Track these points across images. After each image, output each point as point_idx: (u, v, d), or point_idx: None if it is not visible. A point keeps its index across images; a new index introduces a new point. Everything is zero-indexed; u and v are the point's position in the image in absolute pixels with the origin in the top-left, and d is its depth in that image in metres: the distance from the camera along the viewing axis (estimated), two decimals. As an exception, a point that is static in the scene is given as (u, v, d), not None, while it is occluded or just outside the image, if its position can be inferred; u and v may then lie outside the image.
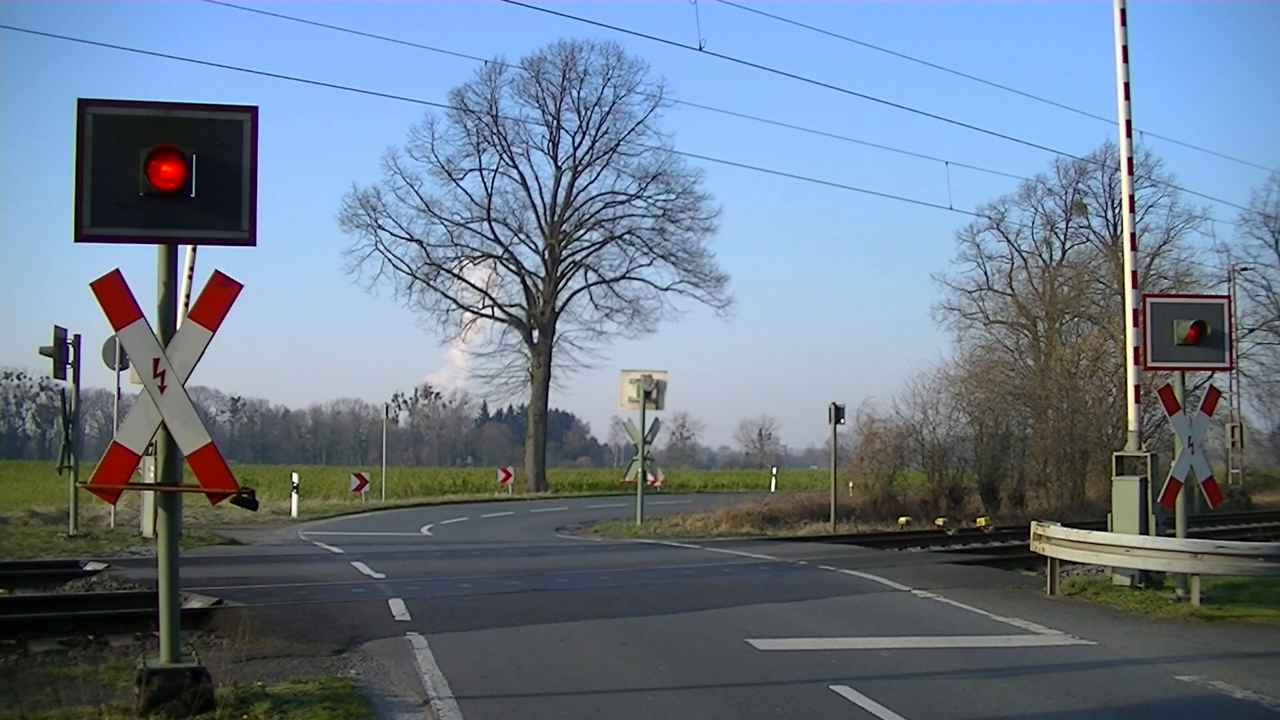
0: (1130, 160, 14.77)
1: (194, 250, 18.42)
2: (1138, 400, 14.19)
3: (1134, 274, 14.42)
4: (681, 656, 9.18)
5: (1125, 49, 14.26)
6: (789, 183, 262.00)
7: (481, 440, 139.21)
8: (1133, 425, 14.27)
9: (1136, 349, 13.99)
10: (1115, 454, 14.38)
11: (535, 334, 50.97)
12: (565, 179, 50.88)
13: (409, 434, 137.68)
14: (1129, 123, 14.42)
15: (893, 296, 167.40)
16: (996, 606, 12.15)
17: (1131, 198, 14.94)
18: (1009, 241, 48.43)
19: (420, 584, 13.85)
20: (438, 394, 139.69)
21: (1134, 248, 14.70)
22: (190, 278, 18.18)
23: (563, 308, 51.28)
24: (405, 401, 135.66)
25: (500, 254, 51.03)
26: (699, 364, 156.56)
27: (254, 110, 6.95)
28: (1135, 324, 14.05)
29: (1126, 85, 14.32)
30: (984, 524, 26.45)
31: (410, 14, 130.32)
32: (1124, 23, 14.23)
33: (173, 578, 6.84)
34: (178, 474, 6.97)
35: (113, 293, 6.74)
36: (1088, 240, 46.97)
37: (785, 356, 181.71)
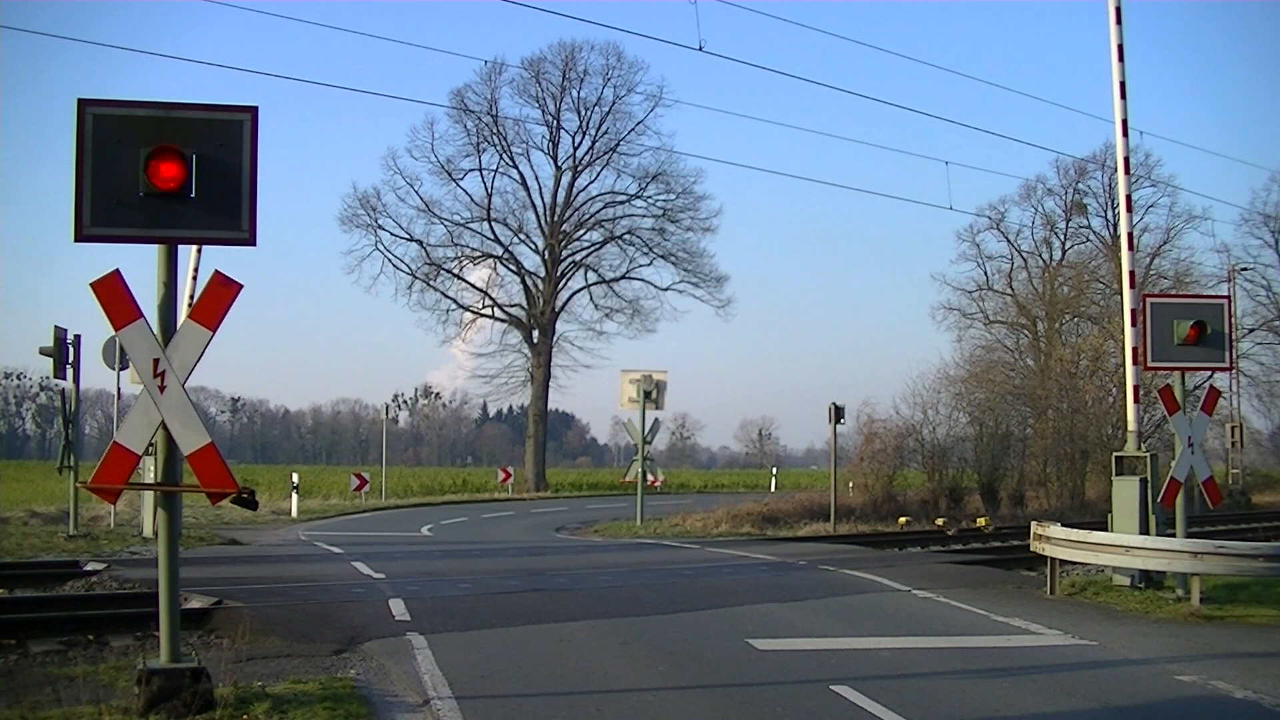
0: (1127, 160, 14.74)
1: (199, 251, 18.46)
2: (1137, 400, 14.19)
3: (1132, 274, 14.40)
4: (682, 656, 9.18)
5: (1121, 48, 14.22)
6: (789, 183, 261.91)
7: (481, 440, 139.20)
8: (1132, 425, 14.27)
9: (1135, 349, 13.99)
10: (1115, 454, 14.38)
11: (535, 334, 50.95)
12: (565, 179, 50.91)
13: (409, 434, 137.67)
14: (1125, 122, 14.37)
15: (893, 296, 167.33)
16: (996, 606, 12.15)
17: (1129, 197, 14.91)
18: (1009, 241, 48.51)
19: (420, 584, 13.85)
20: (438, 394, 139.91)
21: (1131, 247, 14.68)
22: (194, 278, 18.19)
23: (563, 308, 51.28)
24: (405, 401, 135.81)
25: (500, 254, 51.05)
26: (699, 364, 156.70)
27: (254, 110, 6.94)
28: (1134, 324, 14.04)
29: (1123, 84, 14.29)
30: (984, 524, 26.44)
31: (410, 14, 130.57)
32: (1119, 21, 14.19)
33: (173, 578, 6.84)
34: (178, 474, 6.97)
35: (113, 293, 6.74)
36: (1088, 240, 47.01)
37: (785, 356, 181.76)
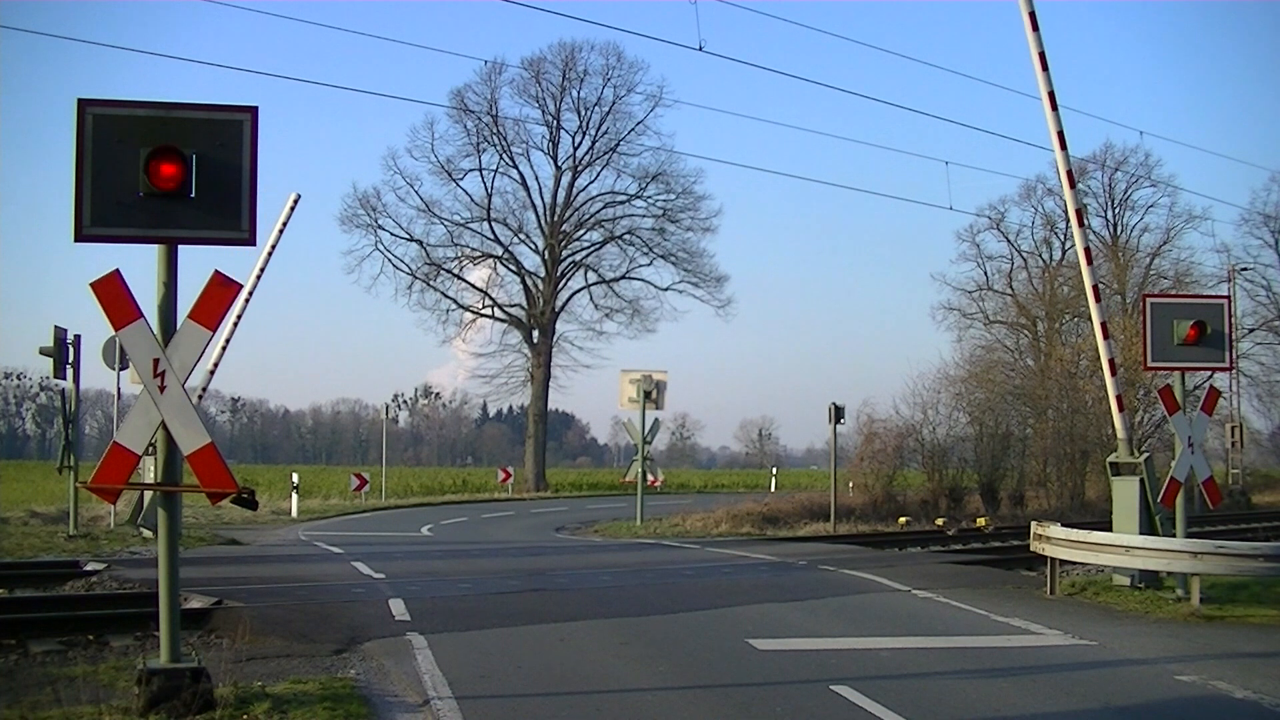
0: (1070, 173, 14.11)
1: (270, 252, 18.84)
2: (1121, 409, 14.07)
3: (1095, 288, 14.14)
4: (682, 656, 9.18)
5: (1043, 56, 13.49)
6: (789, 182, 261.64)
7: (481, 440, 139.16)
8: (1121, 434, 14.15)
9: (1112, 360, 13.98)
10: (1109, 459, 14.33)
11: (535, 334, 50.94)
12: (565, 179, 50.92)
13: (409, 434, 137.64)
14: (1061, 134, 13.73)
15: (893, 296, 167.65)
16: (996, 606, 12.15)
17: (1079, 211, 14.41)
18: (1009, 241, 48.60)
19: (420, 584, 13.85)
20: (438, 394, 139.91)
21: (1089, 262, 14.33)
22: (259, 277, 18.91)
23: (563, 308, 51.28)
24: (405, 401, 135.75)
25: (500, 254, 51.06)
26: (699, 364, 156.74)
27: (254, 110, 6.95)
28: (1105, 336, 14.00)
29: (1051, 95, 13.63)
30: (984, 524, 26.44)
31: (410, 14, 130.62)
32: (1035, 28, 13.40)
33: (173, 578, 6.84)
34: (178, 474, 6.97)
35: (113, 293, 6.74)
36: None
37: (785, 356, 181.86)
